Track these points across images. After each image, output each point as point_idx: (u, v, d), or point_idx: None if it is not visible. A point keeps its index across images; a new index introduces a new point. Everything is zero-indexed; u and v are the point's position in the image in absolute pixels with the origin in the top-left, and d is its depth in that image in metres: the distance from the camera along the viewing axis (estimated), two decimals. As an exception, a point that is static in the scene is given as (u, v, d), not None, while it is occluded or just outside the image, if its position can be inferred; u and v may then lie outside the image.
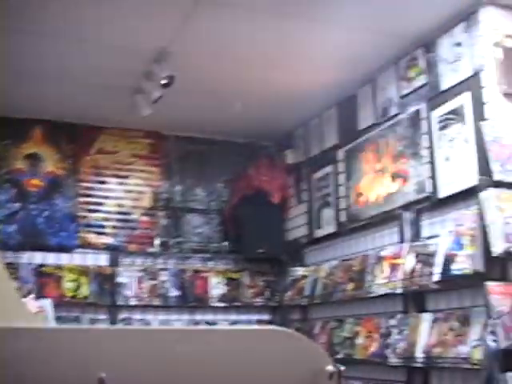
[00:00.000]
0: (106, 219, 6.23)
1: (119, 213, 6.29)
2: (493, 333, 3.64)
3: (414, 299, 4.58)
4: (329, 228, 5.77)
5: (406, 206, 4.79)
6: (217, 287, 6.28)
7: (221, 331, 1.76)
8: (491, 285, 3.73)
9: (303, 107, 5.98)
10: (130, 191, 6.37)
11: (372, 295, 4.83)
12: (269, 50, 4.91)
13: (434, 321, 4.29)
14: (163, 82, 4.94)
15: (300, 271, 6.00)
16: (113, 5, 4.24)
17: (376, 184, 5.18)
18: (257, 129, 6.52)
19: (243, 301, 6.32)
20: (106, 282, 5.97)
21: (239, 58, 5.04)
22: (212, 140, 6.71)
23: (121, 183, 6.36)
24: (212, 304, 6.21)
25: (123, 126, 6.36)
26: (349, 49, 4.90)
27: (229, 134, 6.66)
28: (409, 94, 4.90)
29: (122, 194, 6.34)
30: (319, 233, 5.93)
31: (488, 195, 3.85)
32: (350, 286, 5.14)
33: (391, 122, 5.05)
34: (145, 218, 6.37)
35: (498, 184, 3.90)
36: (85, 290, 5.87)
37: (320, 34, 4.68)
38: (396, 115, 5.01)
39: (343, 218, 5.60)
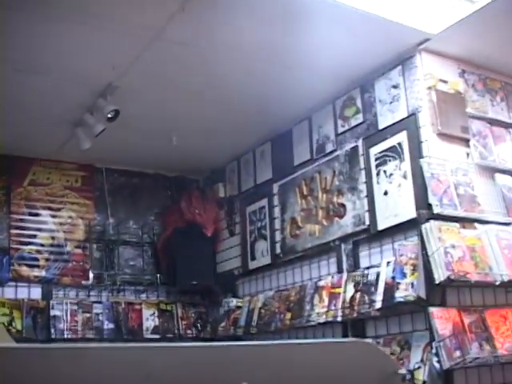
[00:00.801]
0: (39, 252, 6.20)
1: (52, 245, 6.28)
2: (437, 354, 3.92)
3: (354, 326, 4.80)
4: (263, 260, 5.96)
5: (343, 238, 5.05)
6: (150, 319, 6.35)
7: (312, 344, 1.94)
8: (434, 310, 4.01)
9: (236, 142, 6.19)
10: (63, 223, 6.37)
11: (311, 324, 5.03)
12: (203, 88, 5.10)
13: (375, 346, 4.53)
14: (109, 115, 5.05)
15: (234, 302, 6.14)
16: (60, 37, 4.27)
17: (312, 217, 5.42)
18: (188, 163, 6.68)
19: (176, 332, 6.41)
20: (39, 315, 5.94)
21: (178, 94, 5.20)
22: (144, 173, 6.84)
23: (54, 215, 6.35)
24: (146, 336, 6.27)
25: (56, 158, 6.38)
26: (285, 86, 5.11)
27: (160, 167, 6.80)
28: (345, 131, 5.18)
29: (54, 226, 6.33)
30: (253, 264, 6.11)
31: (429, 227, 4.15)
32: (288, 315, 5.32)
33: (328, 158, 5.31)
34: (78, 251, 6.38)
35: (437, 217, 4.21)
36: (18, 325, 5.82)
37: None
38: (332, 151, 5.28)
39: (278, 250, 5.79)
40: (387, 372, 1.68)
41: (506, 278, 4.20)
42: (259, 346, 1.82)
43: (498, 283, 4.19)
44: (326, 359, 1.68)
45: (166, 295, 6.59)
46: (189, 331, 6.51)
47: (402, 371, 1.73)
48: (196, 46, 4.46)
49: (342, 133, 5.22)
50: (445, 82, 4.63)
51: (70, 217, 6.44)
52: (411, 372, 4.10)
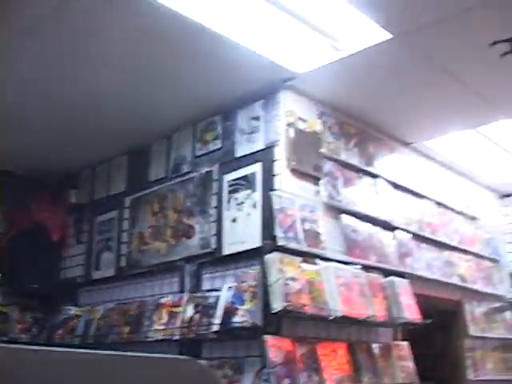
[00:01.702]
0: None
1: None
2: (267, 380, 4.07)
3: (191, 346, 4.87)
4: (108, 271, 5.94)
5: (189, 259, 5.12)
6: (-16, 320, 6.15)
7: (134, 358, 1.97)
8: (268, 338, 4.16)
9: (94, 149, 6.11)
10: None
11: (149, 340, 5.06)
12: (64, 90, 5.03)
13: (209, 368, 4.63)
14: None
15: (73, 310, 6.06)
16: None
17: (160, 234, 5.47)
18: (42, 164, 6.51)
19: (10, 336, 6.23)
20: None
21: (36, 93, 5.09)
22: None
23: None
24: (-21, 337, 6.06)
25: None
26: (148, 102, 5.12)
27: (11, 164, 6.58)
28: (203, 155, 5.28)
29: None
30: (97, 275, 6.07)
31: (272, 258, 4.31)
32: (126, 329, 5.32)
33: (183, 178, 5.38)
34: None
35: (281, 249, 4.37)
36: None
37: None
38: (188, 173, 5.36)
39: (123, 263, 5.80)
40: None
41: (339, 314, 4.42)
42: (81, 354, 1.85)
43: (331, 318, 4.40)
44: (151, 375, 1.75)
45: (3, 296, 6.39)
46: (23, 335, 6.34)
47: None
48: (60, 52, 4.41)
49: (199, 156, 5.31)
50: (304, 120, 4.84)
51: None
52: (240, 396, 4.23)
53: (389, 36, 4.12)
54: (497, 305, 7.04)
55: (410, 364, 5.12)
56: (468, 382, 6.30)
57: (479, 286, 6.67)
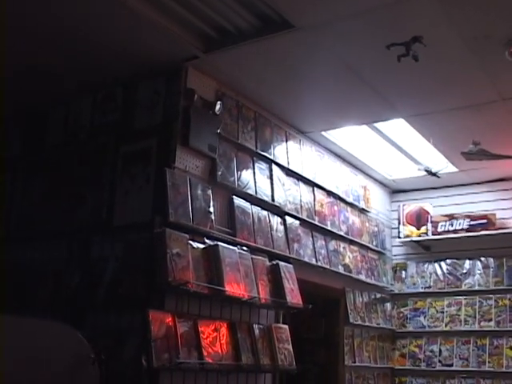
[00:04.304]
0: None
1: None
2: (146, 354, 4.07)
3: (75, 314, 4.68)
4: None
5: (79, 227, 5.03)
6: None
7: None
8: (151, 312, 4.16)
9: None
10: None
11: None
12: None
13: None
14: None
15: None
16: None
17: (52, 200, 5.37)
18: None
19: None
20: None
21: None
22: None
23: None
24: None
25: None
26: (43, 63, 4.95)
27: None
28: (101, 125, 5.20)
29: None
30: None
31: (160, 233, 4.32)
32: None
33: (79, 146, 5.31)
34: None
35: (170, 224, 4.38)
36: None
37: None
38: (84, 141, 5.28)
39: (14, 226, 5.64)
40: (78, 354, 1.80)
41: (223, 293, 4.54)
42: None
43: (215, 296, 4.51)
44: (23, 334, 1.79)
45: None
46: None
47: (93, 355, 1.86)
48: None
49: (97, 125, 5.25)
50: (203, 100, 4.87)
51: None
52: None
53: (291, 27, 4.22)
54: (378, 296, 7.30)
55: (289, 347, 5.24)
56: (345, 367, 6.53)
57: (363, 277, 6.90)
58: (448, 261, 7.43)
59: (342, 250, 6.57)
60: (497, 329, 6.94)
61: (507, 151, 5.95)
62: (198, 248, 4.55)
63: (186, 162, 4.70)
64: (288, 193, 5.72)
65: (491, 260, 7.21)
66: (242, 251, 4.90)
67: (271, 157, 5.56)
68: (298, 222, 5.80)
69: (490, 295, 7.10)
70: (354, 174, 7.02)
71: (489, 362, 6.86)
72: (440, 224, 7.34)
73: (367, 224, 7.19)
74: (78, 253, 5.01)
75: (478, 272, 7.23)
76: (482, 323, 7.04)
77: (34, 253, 5.41)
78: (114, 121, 5.14)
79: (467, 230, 7.18)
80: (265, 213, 5.35)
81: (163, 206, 4.45)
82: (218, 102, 4.96)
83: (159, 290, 4.29)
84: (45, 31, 4.49)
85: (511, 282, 7.02)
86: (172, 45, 4.53)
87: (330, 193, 6.47)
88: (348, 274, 6.61)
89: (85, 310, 4.76)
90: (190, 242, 4.50)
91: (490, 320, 7.00)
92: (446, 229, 7.31)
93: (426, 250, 7.59)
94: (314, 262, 5.96)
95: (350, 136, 6.25)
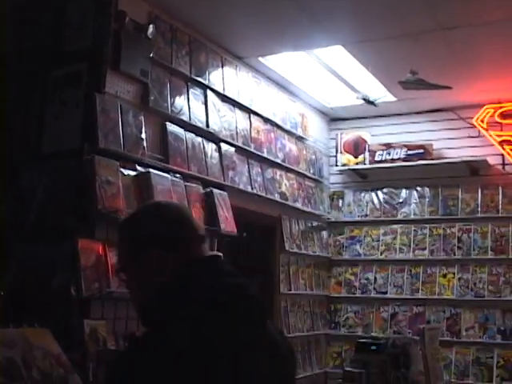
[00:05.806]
0: None
1: None
2: (76, 283, 4.02)
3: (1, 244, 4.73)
4: None
5: (7, 154, 4.90)
6: None
7: None
8: (80, 240, 4.11)
9: None
10: None
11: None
12: None
13: None
14: None
15: None
16: None
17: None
18: None
19: None
20: None
21: None
22: None
23: None
24: None
25: None
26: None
27: None
28: (30, 48, 4.98)
29: None
30: None
31: (90, 160, 4.21)
32: None
33: (7, 71, 5.11)
34: None
35: (100, 151, 4.26)
36: None
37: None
38: (13, 66, 5.08)
39: None
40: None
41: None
42: None
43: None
44: None
45: None
46: None
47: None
48: None
49: (26, 49, 5.03)
50: (135, 22, 4.69)
51: None
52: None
53: None
54: (314, 224, 7.36)
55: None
56: (281, 294, 6.60)
57: (299, 205, 6.92)
58: (385, 190, 7.51)
59: (278, 177, 6.56)
60: (430, 257, 7.10)
61: (445, 81, 5.95)
62: (128, 175, 4.46)
63: (116, 87, 4.56)
64: (223, 119, 5.63)
65: (427, 190, 7.30)
66: (174, 178, 4.83)
67: (206, 82, 5.44)
68: (233, 149, 5.73)
69: (425, 224, 7.22)
70: (292, 101, 6.96)
71: (422, 290, 7.03)
72: (377, 153, 7.38)
73: (304, 152, 7.17)
74: (4, 181, 4.87)
75: (414, 201, 7.33)
76: (416, 252, 7.18)
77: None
78: (43, 44, 4.93)
79: (404, 160, 7.24)
80: (199, 139, 5.26)
81: (93, 132, 4.32)
82: (151, 25, 4.80)
83: (89, 218, 4.21)
84: None
85: (446, 212, 7.14)
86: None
87: (266, 120, 6.40)
88: (284, 201, 6.61)
89: (11, 241, 4.67)
90: (121, 169, 4.40)
91: (425, 249, 7.14)
92: (384, 158, 7.35)
93: (363, 179, 7.65)
94: (249, 189, 5.94)
95: (288, 63, 6.16)
